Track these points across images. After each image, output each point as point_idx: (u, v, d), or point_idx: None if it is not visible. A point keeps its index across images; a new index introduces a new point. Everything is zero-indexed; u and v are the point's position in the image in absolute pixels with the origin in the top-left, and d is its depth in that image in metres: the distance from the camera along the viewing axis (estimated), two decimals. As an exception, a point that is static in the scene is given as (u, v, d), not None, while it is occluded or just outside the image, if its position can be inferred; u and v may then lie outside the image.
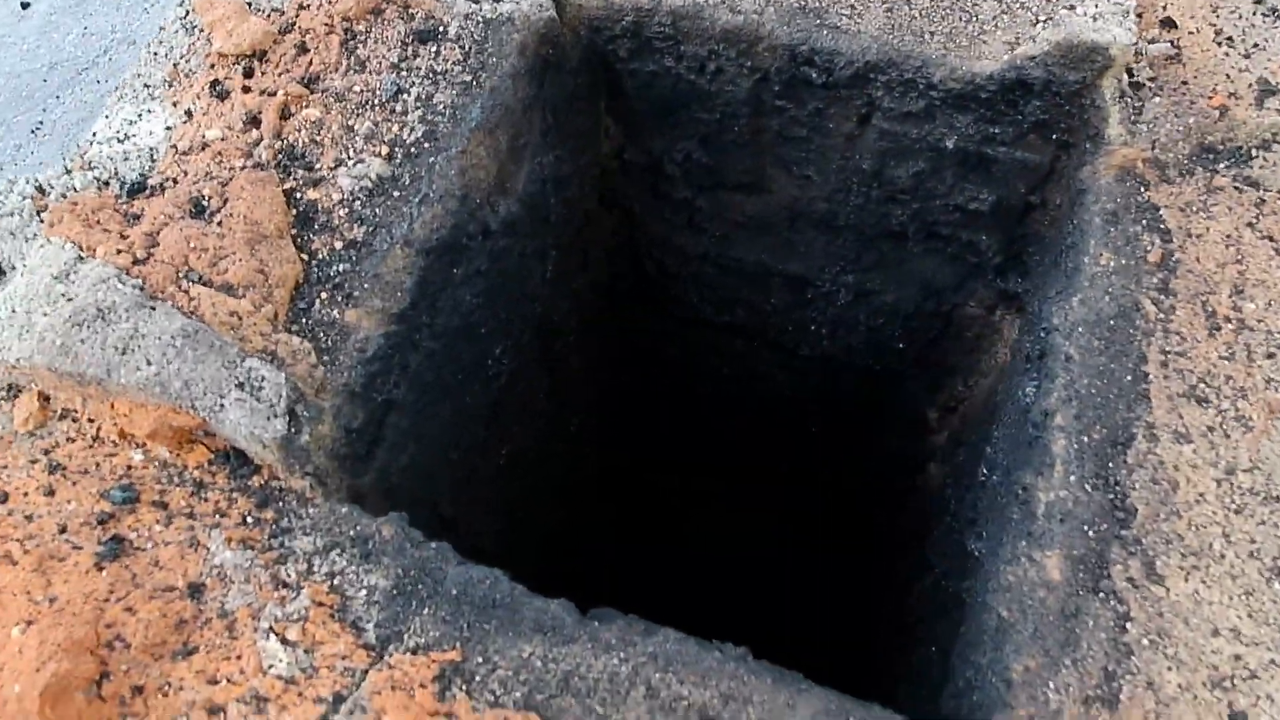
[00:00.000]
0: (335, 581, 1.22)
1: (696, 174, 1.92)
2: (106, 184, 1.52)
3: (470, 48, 1.58)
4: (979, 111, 1.53)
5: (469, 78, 1.56)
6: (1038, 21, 1.48)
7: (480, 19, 1.60)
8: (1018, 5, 1.52)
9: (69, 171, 1.55)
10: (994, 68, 1.47)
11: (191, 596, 1.22)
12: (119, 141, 1.57)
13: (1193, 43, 1.47)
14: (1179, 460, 1.16)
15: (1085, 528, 1.14)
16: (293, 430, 1.26)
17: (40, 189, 1.56)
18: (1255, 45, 1.45)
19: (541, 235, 1.74)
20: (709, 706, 1.10)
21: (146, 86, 1.64)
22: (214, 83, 1.60)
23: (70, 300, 1.30)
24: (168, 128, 1.57)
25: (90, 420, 1.37)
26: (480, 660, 1.15)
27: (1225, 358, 1.22)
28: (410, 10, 1.63)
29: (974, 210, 1.69)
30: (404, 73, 1.58)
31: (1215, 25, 1.48)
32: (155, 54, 1.68)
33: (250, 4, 1.68)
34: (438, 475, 1.59)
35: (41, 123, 4.01)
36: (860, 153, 1.71)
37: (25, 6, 4.40)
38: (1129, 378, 1.22)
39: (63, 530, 1.25)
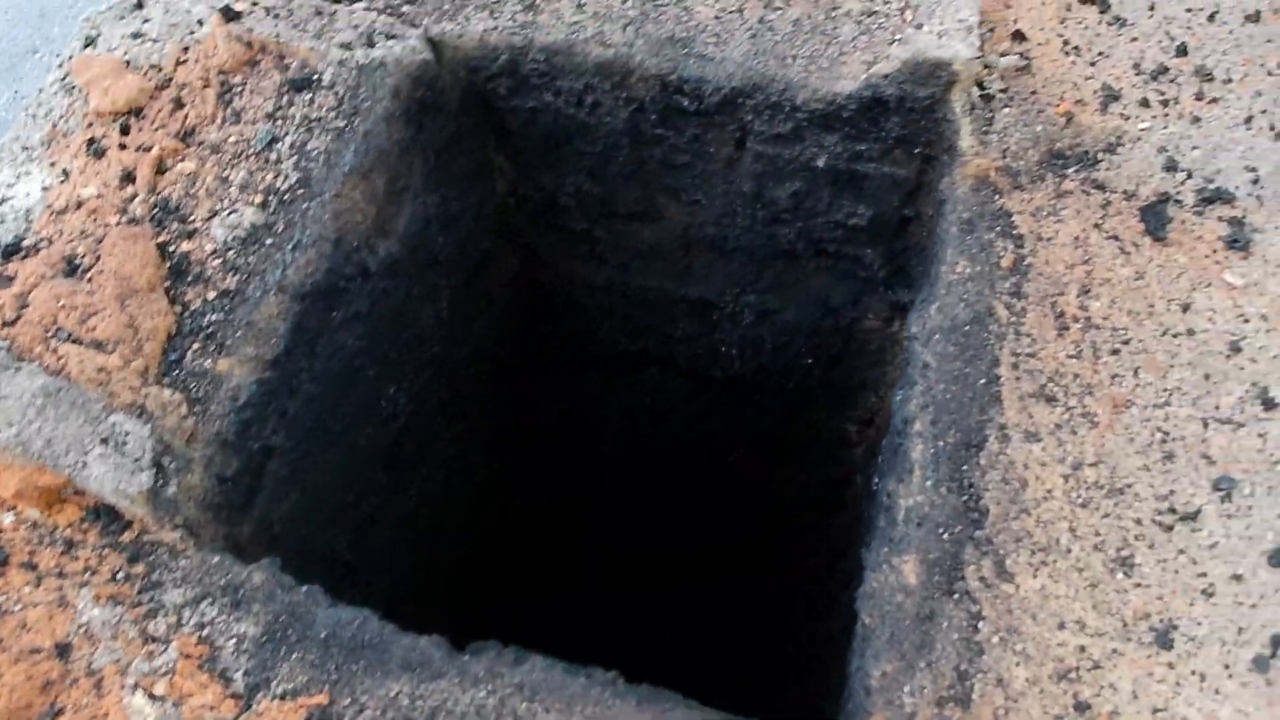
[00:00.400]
0: (204, 632, 1.21)
1: (590, 205, 1.94)
2: (-18, 247, 1.52)
3: (344, 94, 1.60)
4: (844, 130, 1.57)
5: (343, 123, 1.58)
6: (892, 41, 1.52)
7: (354, 65, 1.62)
8: (875, 26, 1.56)
9: (-56, 238, 1.54)
10: (852, 87, 1.51)
11: (59, 656, 1.21)
12: (-4, 205, 1.57)
13: (1042, 53, 1.51)
14: (1028, 459, 1.18)
15: (941, 531, 1.15)
16: (159, 483, 1.26)
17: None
18: (1100, 54, 1.50)
19: (430, 276, 1.76)
20: (575, 733, 1.09)
21: (25, 149, 1.65)
22: (90, 141, 1.61)
23: (-67, 365, 1.30)
24: (44, 188, 1.58)
25: (-38, 485, 1.35)
26: (348, 702, 1.15)
27: (1073, 356, 1.25)
28: (285, 61, 1.65)
29: (854, 226, 1.73)
30: (279, 121, 1.59)
31: (1063, 36, 1.53)
32: (34, 116, 1.68)
33: (128, 62, 1.69)
34: (331, 521, 1.59)
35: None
36: (740, 176, 1.74)
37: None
38: (982, 381, 1.25)
39: (-74, 597, 1.24)
